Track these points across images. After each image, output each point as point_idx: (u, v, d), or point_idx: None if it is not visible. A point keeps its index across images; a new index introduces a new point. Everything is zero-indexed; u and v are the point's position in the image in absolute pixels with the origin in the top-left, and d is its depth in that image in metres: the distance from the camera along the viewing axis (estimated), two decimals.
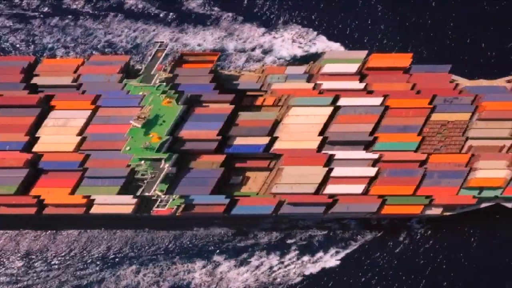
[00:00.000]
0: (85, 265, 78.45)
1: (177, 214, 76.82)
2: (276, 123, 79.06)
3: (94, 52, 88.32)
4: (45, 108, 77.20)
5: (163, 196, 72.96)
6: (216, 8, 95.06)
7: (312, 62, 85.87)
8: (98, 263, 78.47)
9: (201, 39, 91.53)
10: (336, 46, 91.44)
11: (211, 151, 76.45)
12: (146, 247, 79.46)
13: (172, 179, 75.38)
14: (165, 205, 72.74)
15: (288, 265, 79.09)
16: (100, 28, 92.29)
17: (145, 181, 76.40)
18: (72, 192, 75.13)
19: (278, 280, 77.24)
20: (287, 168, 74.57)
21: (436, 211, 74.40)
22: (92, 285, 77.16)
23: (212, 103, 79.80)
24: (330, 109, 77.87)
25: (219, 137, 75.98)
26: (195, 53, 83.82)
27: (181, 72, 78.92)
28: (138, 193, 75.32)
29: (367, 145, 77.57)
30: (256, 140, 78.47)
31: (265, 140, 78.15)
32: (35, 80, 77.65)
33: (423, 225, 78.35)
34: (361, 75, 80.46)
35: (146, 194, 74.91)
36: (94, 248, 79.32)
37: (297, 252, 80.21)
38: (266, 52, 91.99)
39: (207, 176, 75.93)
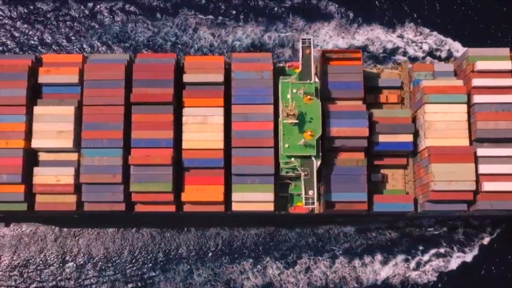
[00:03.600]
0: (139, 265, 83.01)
1: (316, 212, 77.33)
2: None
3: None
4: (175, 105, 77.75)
5: (310, 193, 73.00)
6: (335, 5, 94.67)
7: (453, 59, 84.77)
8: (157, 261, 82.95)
9: (325, 37, 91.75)
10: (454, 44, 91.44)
11: (362, 148, 76.09)
12: (198, 247, 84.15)
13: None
14: (313, 202, 72.79)
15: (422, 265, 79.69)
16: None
17: (288, 180, 77.25)
18: (216, 190, 76.18)
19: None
20: (437, 165, 73.28)
21: None
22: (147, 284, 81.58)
23: (342, 100, 79.24)
24: (465, 107, 75.90)
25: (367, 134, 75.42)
26: (337, 51, 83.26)
27: (330, 69, 78.19)
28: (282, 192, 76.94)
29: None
30: (399, 137, 77.67)
31: (409, 137, 77.32)
32: (185, 78, 77.98)
33: None
34: None
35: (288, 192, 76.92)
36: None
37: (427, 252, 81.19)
38: (389, 50, 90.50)
39: (356, 173, 75.90)
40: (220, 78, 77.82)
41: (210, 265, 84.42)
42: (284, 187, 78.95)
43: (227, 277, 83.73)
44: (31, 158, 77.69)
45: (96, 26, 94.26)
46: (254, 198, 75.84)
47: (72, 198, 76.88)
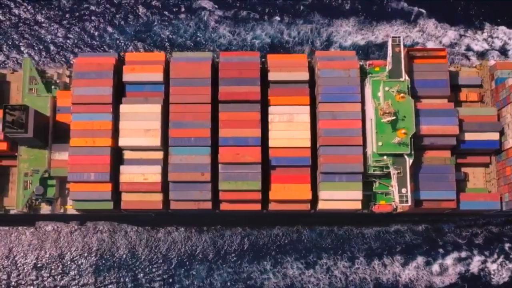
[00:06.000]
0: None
1: (398, 210, 77.42)
2: None
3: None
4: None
5: (404, 191, 73.05)
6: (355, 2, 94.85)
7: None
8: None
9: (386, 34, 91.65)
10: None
11: (449, 146, 76.24)
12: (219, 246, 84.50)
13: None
14: (407, 200, 72.84)
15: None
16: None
17: (373, 178, 77.31)
18: (303, 188, 76.17)
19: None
20: None
21: None
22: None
23: (427, 99, 79.36)
24: None
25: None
26: (421, 49, 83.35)
27: (415, 67, 78.22)
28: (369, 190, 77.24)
29: None
30: (486, 135, 78.09)
31: (495, 135, 77.63)
32: (270, 77, 77.78)
33: None
34: None
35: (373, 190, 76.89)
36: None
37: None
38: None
39: (444, 171, 76.10)
40: (305, 76, 78.02)
41: (231, 265, 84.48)
42: (366, 185, 78.57)
43: (247, 277, 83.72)
44: (117, 156, 77.35)
45: (116, 24, 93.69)
46: (341, 197, 75.82)
47: (159, 197, 76.63)
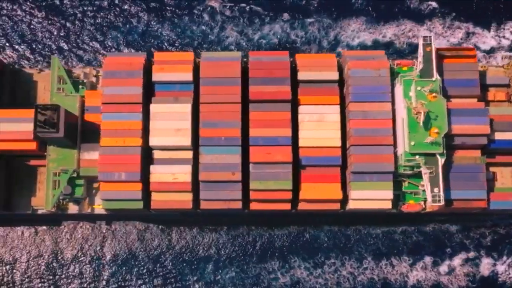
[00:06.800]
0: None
1: (427, 210, 77.47)
2: None
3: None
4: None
5: (436, 191, 73.11)
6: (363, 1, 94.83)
7: None
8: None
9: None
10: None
11: (479, 146, 76.36)
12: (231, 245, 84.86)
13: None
14: (440, 200, 72.91)
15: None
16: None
17: (403, 177, 77.34)
18: (334, 188, 76.26)
19: None
20: None
21: None
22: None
23: (457, 98, 79.52)
24: None
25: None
26: (451, 48, 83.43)
27: (445, 67, 78.31)
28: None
29: None
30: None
31: None
32: (299, 76, 77.95)
33: None
34: None
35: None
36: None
37: None
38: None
39: (474, 171, 76.24)
40: (335, 75, 78.00)
41: (239, 264, 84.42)
42: (395, 185, 78.47)
43: (255, 277, 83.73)
44: (146, 156, 77.29)
45: (120, 25, 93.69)
46: (372, 196, 75.80)
47: (188, 196, 76.53)
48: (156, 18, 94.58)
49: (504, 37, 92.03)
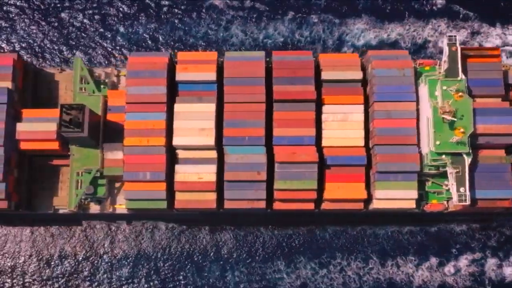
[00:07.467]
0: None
1: (450, 209, 77.44)
2: None
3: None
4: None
5: (462, 190, 73.10)
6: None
7: None
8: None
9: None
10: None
11: (504, 145, 76.46)
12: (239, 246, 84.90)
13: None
14: (466, 199, 72.87)
15: None
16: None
17: (426, 177, 77.15)
18: (358, 188, 76.23)
19: None
20: None
21: None
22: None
23: (481, 98, 79.46)
24: None
25: None
26: (475, 48, 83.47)
27: (469, 66, 78.29)
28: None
29: None
30: None
31: None
32: (323, 76, 77.82)
33: None
34: None
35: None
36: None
37: None
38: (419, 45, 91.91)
39: (499, 170, 76.27)
40: (359, 75, 77.96)
41: (244, 264, 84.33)
42: (418, 184, 78.44)
43: (260, 277, 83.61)
44: (170, 156, 77.16)
45: (126, 25, 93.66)
46: (396, 196, 75.75)
47: (212, 196, 76.38)
48: (164, 18, 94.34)
49: (511, 34, 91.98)
